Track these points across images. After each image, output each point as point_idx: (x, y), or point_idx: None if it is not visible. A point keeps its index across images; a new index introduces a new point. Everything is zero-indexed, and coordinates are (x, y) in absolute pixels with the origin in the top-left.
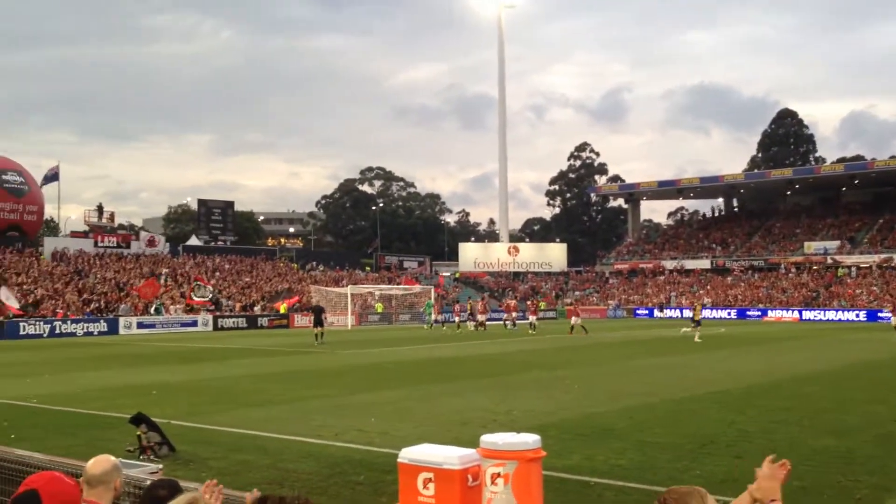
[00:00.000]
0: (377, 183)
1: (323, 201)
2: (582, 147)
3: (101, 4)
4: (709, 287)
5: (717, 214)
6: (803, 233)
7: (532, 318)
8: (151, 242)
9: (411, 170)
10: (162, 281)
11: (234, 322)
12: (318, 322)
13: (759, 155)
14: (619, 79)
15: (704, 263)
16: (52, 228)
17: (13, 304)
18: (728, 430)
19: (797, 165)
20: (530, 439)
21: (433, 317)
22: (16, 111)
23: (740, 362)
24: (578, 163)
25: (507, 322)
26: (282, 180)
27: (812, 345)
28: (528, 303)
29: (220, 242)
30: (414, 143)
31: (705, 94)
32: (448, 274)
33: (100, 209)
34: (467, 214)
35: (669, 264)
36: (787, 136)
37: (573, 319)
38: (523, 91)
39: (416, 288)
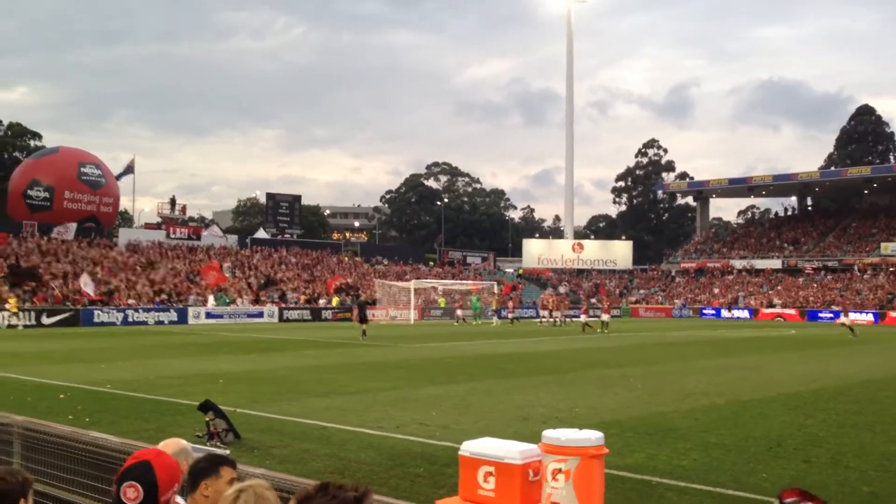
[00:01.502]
0: (442, 178)
1: (388, 196)
2: (650, 143)
3: (182, 2)
4: (779, 287)
5: (789, 213)
6: (880, 233)
7: (605, 317)
8: (213, 235)
9: (474, 165)
10: (228, 273)
11: (298, 314)
12: (363, 318)
13: (836, 152)
14: (686, 74)
15: (775, 263)
16: (127, 220)
17: (90, 290)
18: (796, 434)
19: (875, 164)
20: (593, 436)
21: (490, 312)
22: (97, 106)
23: (811, 365)
24: (645, 160)
25: (542, 319)
26: (347, 175)
27: (888, 348)
28: (602, 300)
29: (286, 235)
30: (476, 138)
31: (775, 89)
32: (511, 271)
33: (172, 202)
34: (532, 210)
35: (738, 263)
36: (865, 134)
37: (603, 316)
38: (586, 87)
39: (480, 283)
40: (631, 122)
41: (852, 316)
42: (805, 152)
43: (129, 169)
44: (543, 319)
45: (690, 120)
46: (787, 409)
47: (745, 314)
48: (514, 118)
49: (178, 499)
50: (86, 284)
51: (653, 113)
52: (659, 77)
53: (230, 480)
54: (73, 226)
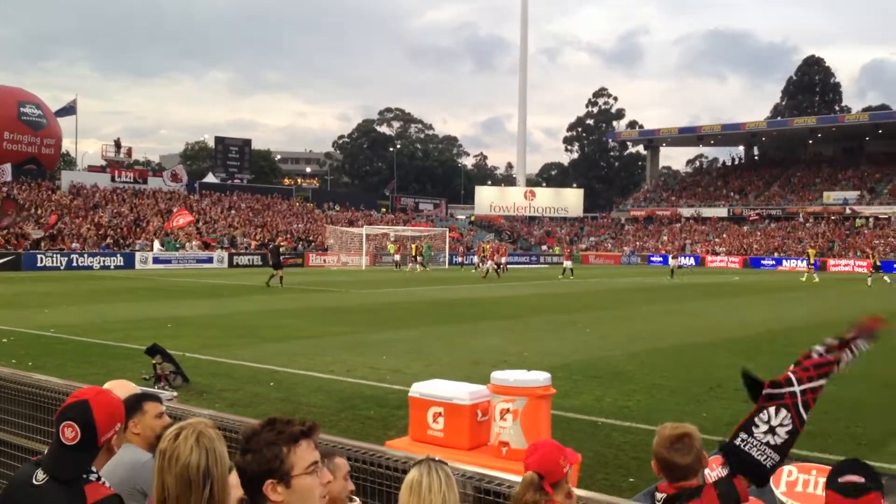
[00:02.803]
0: (395, 124)
1: (340, 141)
2: (600, 92)
3: None
4: (724, 235)
5: (737, 162)
6: (823, 183)
7: (567, 263)
8: (175, 177)
9: (424, 112)
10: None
11: (248, 259)
12: (277, 264)
13: (783, 102)
14: (635, 23)
15: (721, 212)
16: (69, 162)
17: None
18: (737, 375)
19: (822, 114)
20: (540, 377)
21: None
22: (38, 44)
23: (753, 310)
24: (596, 108)
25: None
26: (298, 120)
27: (827, 295)
28: (563, 247)
29: (236, 180)
30: (427, 85)
31: (721, 38)
32: (463, 217)
33: (117, 144)
34: (485, 158)
35: (686, 212)
36: (812, 84)
37: (565, 263)
38: (537, 33)
39: (432, 231)
40: (580, 70)
41: (793, 262)
42: (751, 102)
43: (72, 109)
44: (477, 267)
45: (639, 69)
46: (730, 353)
47: (691, 262)
48: (464, 65)
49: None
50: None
51: (602, 61)
52: (608, 26)
53: (158, 415)
54: (8, 167)
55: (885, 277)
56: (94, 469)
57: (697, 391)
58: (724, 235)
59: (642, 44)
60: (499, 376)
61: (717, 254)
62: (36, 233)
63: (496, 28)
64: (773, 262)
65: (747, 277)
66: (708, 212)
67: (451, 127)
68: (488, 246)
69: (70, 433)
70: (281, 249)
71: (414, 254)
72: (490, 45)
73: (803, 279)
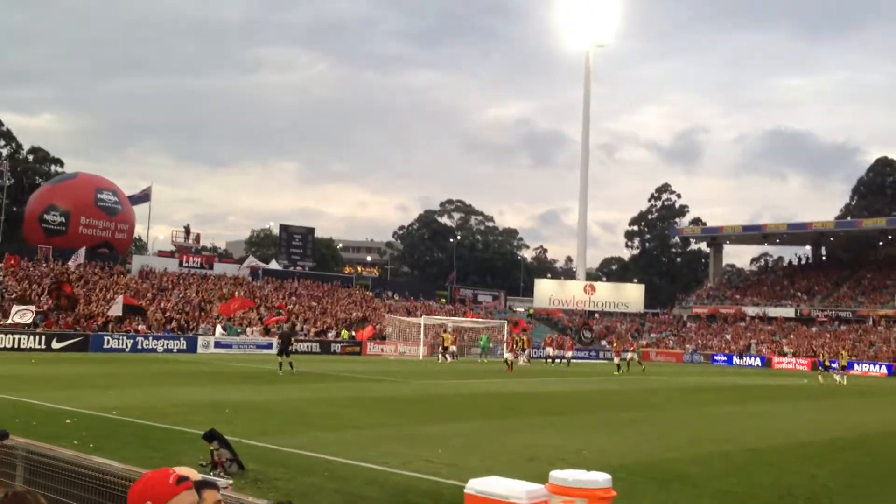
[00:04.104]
0: (456, 216)
1: (401, 231)
2: (663, 188)
3: (213, 36)
4: (791, 336)
5: (803, 262)
6: (894, 286)
7: (616, 359)
8: (254, 272)
9: (481, 204)
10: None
11: (307, 346)
12: (285, 350)
13: (853, 202)
14: (696, 122)
15: (788, 312)
16: (141, 247)
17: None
18: (808, 484)
19: (892, 216)
20: (601, 478)
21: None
22: (120, 135)
23: (823, 415)
24: (659, 203)
25: (547, 359)
26: (361, 210)
27: None
28: (615, 342)
29: (298, 268)
30: (484, 177)
31: (781, 138)
32: (522, 310)
33: (186, 230)
34: (544, 251)
35: (751, 311)
36: (883, 185)
37: (621, 358)
38: (594, 129)
39: (491, 322)
40: (638, 166)
41: (866, 367)
42: (813, 201)
43: (146, 196)
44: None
45: (697, 166)
46: (799, 459)
47: (756, 362)
48: (521, 158)
49: None
50: (22, 315)
51: (660, 157)
52: (666, 123)
53: (215, 503)
54: (83, 251)
55: None
56: None
57: (767, 498)
58: (791, 336)
59: (701, 141)
60: (558, 475)
61: (784, 354)
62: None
63: (554, 123)
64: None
65: (817, 380)
66: (774, 311)
67: (508, 220)
68: (525, 338)
69: None
70: (293, 335)
71: (445, 345)
72: (547, 139)
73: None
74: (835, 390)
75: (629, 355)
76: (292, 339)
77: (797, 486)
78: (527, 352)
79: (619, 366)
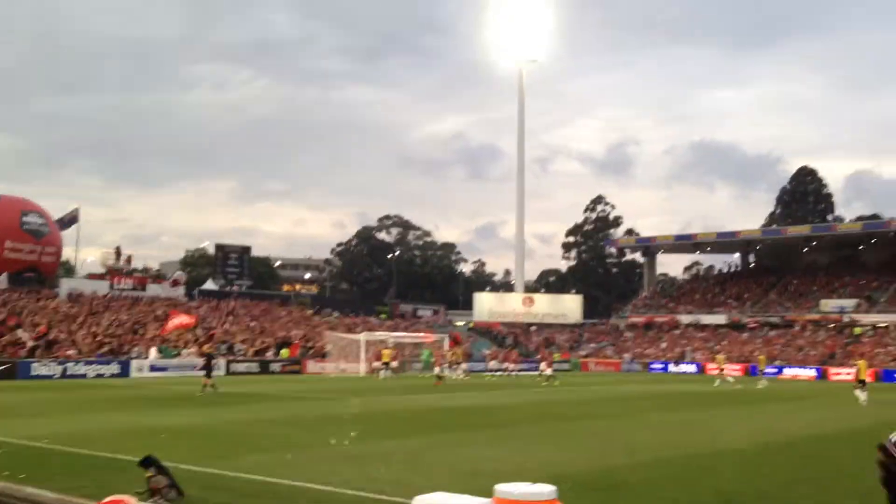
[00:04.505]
0: (394, 231)
1: (339, 248)
2: (597, 200)
3: (147, 55)
4: (724, 342)
5: (733, 270)
6: (820, 290)
7: (547, 370)
8: (175, 283)
9: (417, 218)
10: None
11: (246, 367)
12: (208, 370)
13: (777, 211)
14: (627, 134)
15: (720, 319)
16: (69, 270)
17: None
18: (746, 489)
19: (815, 223)
20: (545, 490)
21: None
22: (49, 156)
23: (755, 420)
24: (594, 215)
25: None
26: (300, 227)
27: (830, 403)
28: (542, 354)
29: (235, 287)
30: (420, 191)
31: (708, 150)
32: (462, 324)
33: (117, 251)
34: (483, 264)
35: (685, 319)
36: (805, 194)
37: (544, 368)
38: (529, 143)
39: (431, 337)
40: (572, 178)
41: (795, 371)
42: (741, 210)
43: (74, 218)
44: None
45: (629, 177)
46: (735, 464)
47: (692, 369)
48: (456, 172)
49: None
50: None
51: (593, 169)
52: (598, 136)
53: None
54: (4, 276)
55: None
56: None
57: None
58: (724, 342)
59: (632, 153)
60: (503, 489)
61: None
62: (28, 339)
63: (489, 137)
64: (776, 370)
65: (749, 386)
66: (707, 319)
67: (445, 234)
68: (460, 351)
69: None
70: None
71: (385, 360)
72: (482, 153)
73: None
74: (766, 394)
75: (547, 370)
76: (213, 358)
77: (736, 492)
78: (462, 365)
79: (549, 377)
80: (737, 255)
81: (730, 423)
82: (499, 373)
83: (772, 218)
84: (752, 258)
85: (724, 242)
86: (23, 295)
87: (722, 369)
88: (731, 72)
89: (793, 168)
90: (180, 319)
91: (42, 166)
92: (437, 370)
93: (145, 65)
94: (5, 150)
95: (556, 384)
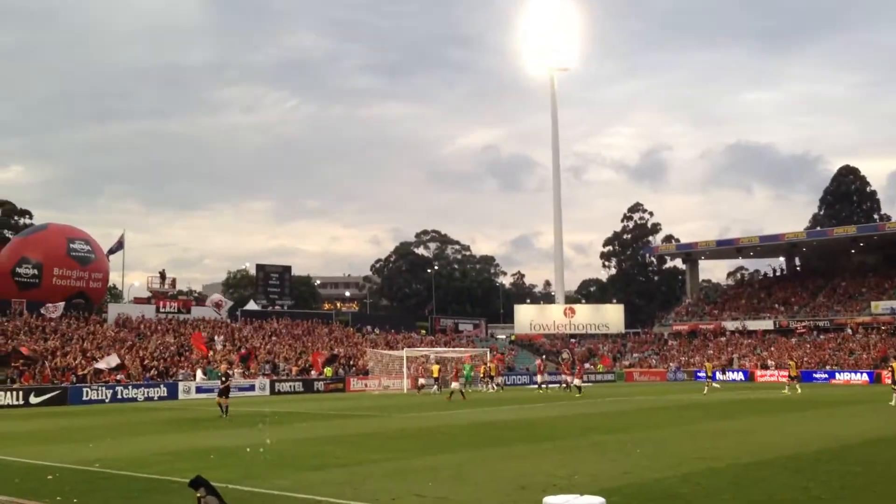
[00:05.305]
0: (432, 246)
1: (378, 265)
2: (635, 207)
3: (178, 81)
4: (772, 348)
5: (778, 274)
6: (869, 292)
7: (577, 381)
8: (218, 305)
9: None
10: (217, 346)
11: (290, 386)
12: (225, 392)
13: (821, 212)
14: (662, 140)
15: (767, 324)
16: (116, 295)
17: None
18: (799, 497)
19: (861, 223)
20: (594, 502)
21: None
22: (89, 183)
23: (809, 426)
24: (632, 223)
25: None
26: (336, 245)
27: (885, 409)
28: (565, 365)
29: (277, 307)
30: (454, 205)
31: (744, 152)
32: (503, 337)
33: (162, 275)
34: (522, 276)
35: (730, 325)
36: (848, 194)
37: (572, 380)
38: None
39: (472, 350)
40: (606, 187)
41: (847, 375)
42: (780, 212)
43: (120, 244)
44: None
45: (664, 183)
46: (788, 472)
47: (739, 376)
48: (488, 184)
49: None
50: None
51: (627, 177)
52: (631, 143)
53: None
54: (60, 306)
55: None
56: None
57: None
58: (773, 349)
59: (666, 159)
60: (552, 502)
61: (766, 367)
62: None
63: (519, 148)
64: (826, 376)
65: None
66: (753, 324)
67: (480, 247)
68: (493, 364)
69: None
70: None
71: (434, 375)
72: (513, 164)
73: (786, 391)
74: (819, 400)
75: (575, 381)
76: (226, 379)
77: (789, 501)
78: (495, 379)
79: (577, 387)
80: (781, 258)
81: (782, 429)
82: (553, 385)
83: (815, 219)
84: (797, 261)
85: (767, 246)
86: (71, 321)
87: (793, 377)
88: (764, 73)
89: (833, 167)
90: (199, 343)
91: (82, 194)
92: (454, 385)
93: (176, 90)
94: (48, 180)
95: (578, 397)
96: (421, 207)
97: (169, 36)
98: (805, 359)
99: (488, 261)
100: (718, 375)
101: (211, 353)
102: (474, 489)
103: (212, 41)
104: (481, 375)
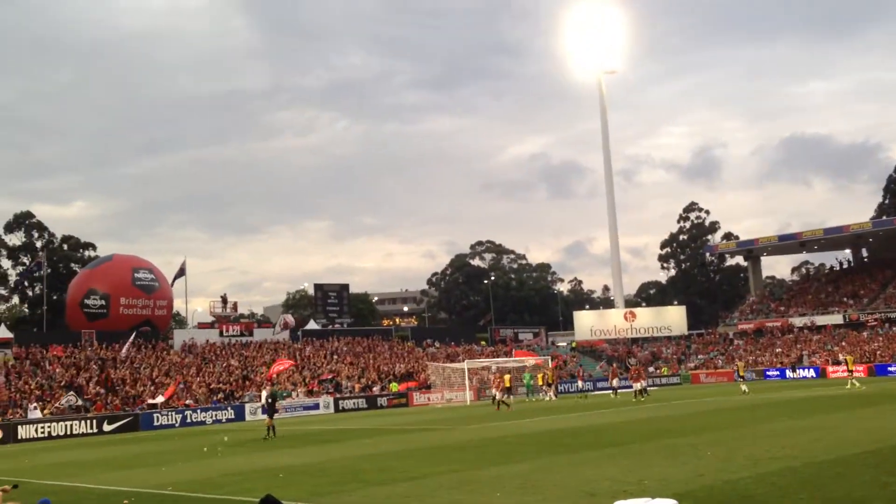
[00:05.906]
0: (487, 256)
1: (434, 278)
2: (690, 207)
3: (231, 108)
4: (843, 343)
5: (845, 266)
6: None
7: (637, 385)
8: (286, 324)
9: (510, 242)
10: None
11: (354, 403)
12: (272, 412)
13: (886, 201)
14: (712, 136)
15: (836, 319)
16: (180, 321)
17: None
18: (880, 493)
19: None
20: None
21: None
22: (149, 213)
23: (886, 421)
24: (688, 223)
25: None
26: (390, 261)
27: None
28: (632, 369)
29: (336, 325)
30: (507, 216)
31: (800, 144)
32: (564, 344)
33: (224, 300)
34: (580, 282)
35: (798, 321)
36: None
37: (635, 385)
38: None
39: (533, 360)
40: (659, 187)
41: None
42: (841, 203)
43: (182, 271)
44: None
45: (718, 181)
46: (867, 468)
47: (811, 373)
48: (539, 192)
49: None
50: (68, 401)
51: (679, 176)
52: (683, 142)
53: None
54: (127, 345)
55: None
56: None
57: None
58: (843, 343)
59: (719, 156)
60: None
61: (838, 363)
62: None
63: (569, 154)
64: None
65: (874, 386)
66: (822, 320)
67: (535, 255)
68: (550, 373)
69: None
70: (276, 397)
71: (507, 385)
72: (563, 171)
73: (848, 387)
74: (893, 394)
75: (636, 385)
76: (273, 400)
77: (870, 498)
78: (553, 386)
79: (640, 392)
80: (847, 250)
81: (858, 425)
82: (622, 391)
83: (881, 208)
84: (864, 252)
85: (832, 239)
86: (139, 348)
87: (852, 371)
88: (815, 63)
89: (894, 156)
90: (282, 365)
91: (143, 224)
92: (498, 395)
93: (229, 116)
94: (111, 212)
95: (642, 400)
96: (474, 219)
97: (219, 62)
98: (878, 352)
99: (545, 268)
100: (788, 373)
101: (275, 375)
102: (542, 498)
103: (263, 66)
104: (540, 384)
